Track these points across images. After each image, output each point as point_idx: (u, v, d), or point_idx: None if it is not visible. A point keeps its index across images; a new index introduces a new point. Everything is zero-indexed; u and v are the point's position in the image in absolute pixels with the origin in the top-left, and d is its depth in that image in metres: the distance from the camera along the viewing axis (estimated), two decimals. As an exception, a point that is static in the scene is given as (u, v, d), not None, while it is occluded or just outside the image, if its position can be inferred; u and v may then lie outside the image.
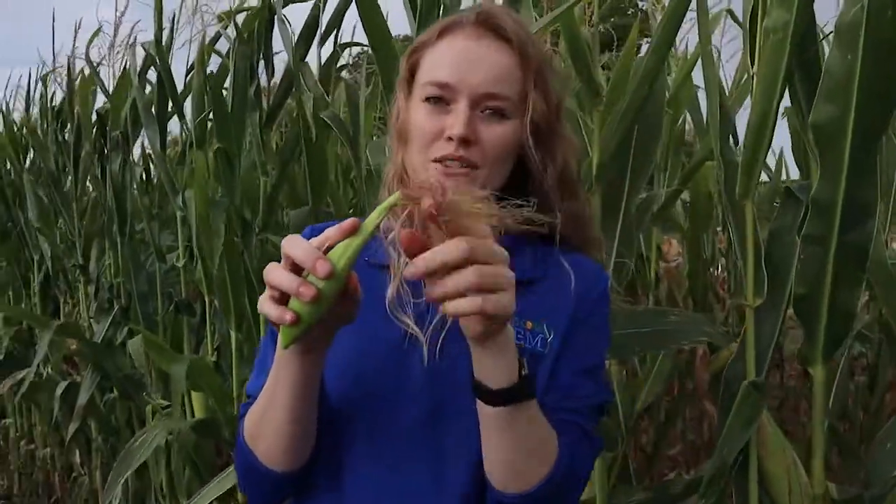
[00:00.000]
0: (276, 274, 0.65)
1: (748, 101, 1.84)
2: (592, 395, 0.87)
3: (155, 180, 2.85)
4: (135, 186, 2.60)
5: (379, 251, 0.86)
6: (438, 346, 0.82)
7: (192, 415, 2.32)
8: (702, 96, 2.16)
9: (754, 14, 1.06)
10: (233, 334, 2.17)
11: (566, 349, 0.86)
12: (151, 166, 2.81)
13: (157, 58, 2.05)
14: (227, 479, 1.95)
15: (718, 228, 2.76)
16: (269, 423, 0.80)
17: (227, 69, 1.97)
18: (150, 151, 2.47)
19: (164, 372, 2.65)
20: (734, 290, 2.27)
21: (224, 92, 2.02)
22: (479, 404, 0.73)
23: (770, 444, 1.12)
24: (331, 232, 0.66)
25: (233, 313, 2.14)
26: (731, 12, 1.82)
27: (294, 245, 0.65)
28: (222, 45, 2.17)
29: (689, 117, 2.21)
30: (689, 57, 1.96)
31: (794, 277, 1.06)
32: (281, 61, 2.10)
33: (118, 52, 2.42)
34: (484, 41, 0.84)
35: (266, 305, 0.66)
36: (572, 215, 0.87)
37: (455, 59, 0.83)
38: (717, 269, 2.90)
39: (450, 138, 0.81)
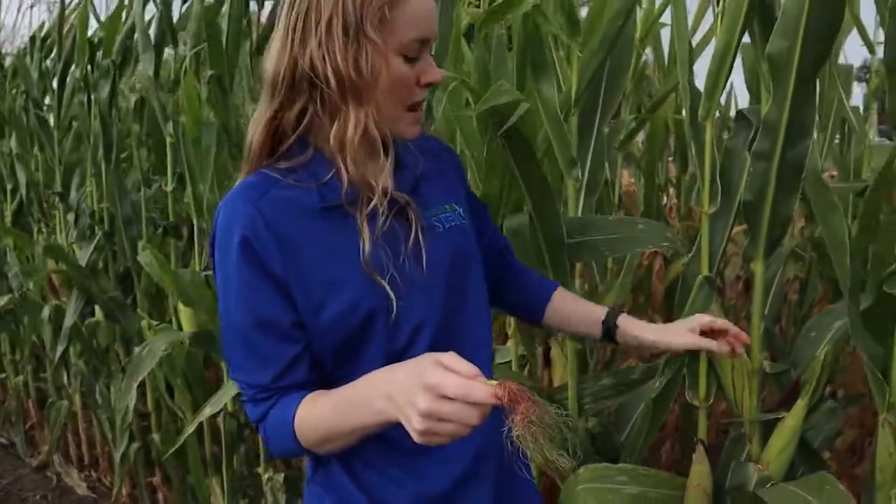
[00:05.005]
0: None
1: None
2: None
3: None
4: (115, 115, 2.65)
5: (329, 193, 0.91)
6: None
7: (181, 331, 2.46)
8: (664, 34, 2.35)
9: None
10: (222, 255, 2.29)
11: (480, 211, 1.16)
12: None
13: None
14: (222, 399, 2.10)
15: (670, 158, 2.98)
16: (339, 440, 0.88)
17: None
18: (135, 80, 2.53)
19: (150, 292, 2.78)
20: (684, 215, 2.50)
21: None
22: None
23: (718, 329, 1.33)
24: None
25: (223, 235, 2.25)
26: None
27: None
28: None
29: (648, 53, 2.39)
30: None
31: (743, 188, 1.26)
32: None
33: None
34: None
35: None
36: None
37: (429, 13, 0.90)
38: (668, 197, 3.12)
39: (426, 85, 0.91)
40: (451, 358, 0.74)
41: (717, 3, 1.33)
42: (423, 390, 0.73)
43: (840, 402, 1.70)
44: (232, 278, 0.90)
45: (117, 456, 2.77)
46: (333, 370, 0.95)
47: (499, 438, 0.71)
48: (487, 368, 1.04)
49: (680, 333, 1.19)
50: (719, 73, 1.24)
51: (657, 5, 1.87)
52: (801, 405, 1.25)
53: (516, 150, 1.36)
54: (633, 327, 1.19)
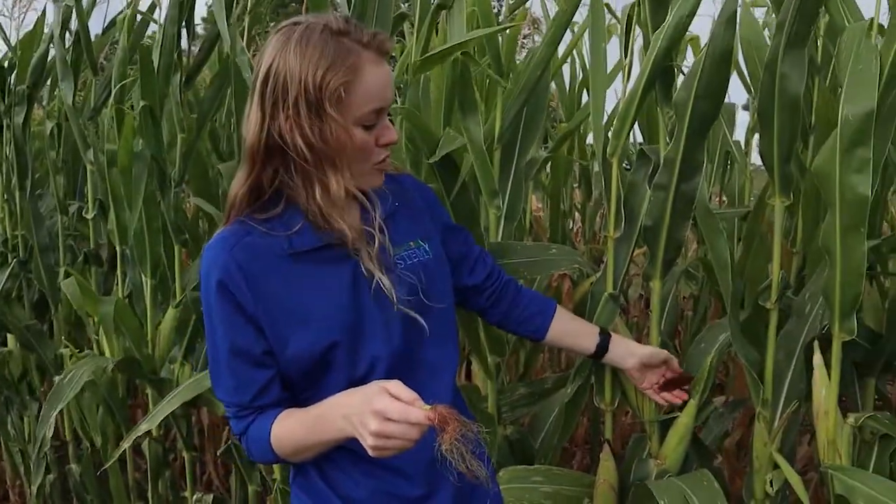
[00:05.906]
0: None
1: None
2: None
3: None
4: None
5: (297, 241, 1.02)
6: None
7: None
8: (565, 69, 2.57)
9: (629, 20, 1.42)
10: (147, 281, 2.31)
11: (462, 238, 1.26)
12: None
13: (76, 13, 2.15)
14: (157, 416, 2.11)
15: (575, 185, 3.20)
16: (308, 451, 1.03)
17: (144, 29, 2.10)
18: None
19: (70, 320, 2.74)
20: (588, 238, 2.71)
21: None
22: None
23: (623, 340, 1.50)
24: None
25: (149, 261, 2.28)
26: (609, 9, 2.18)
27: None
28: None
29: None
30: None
31: (643, 215, 1.44)
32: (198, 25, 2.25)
33: (21, 6, 2.44)
34: (384, 62, 1.02)
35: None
36: None
37: (383, 84, 1.00)
38: (573, 223, 3.34)
39: (384, 145, 1.03)
40: (395, 386, 0.89)
41: (625, 55, 1.53)
42: (372, 414, 0.88)
43: (727, 406, 1.91)
44: (213, 313, 1.03)
45: (33, 488, 2.70)
46: (301, 391, 1.08)
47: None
48: (448, 390, 1.14)
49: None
50: (626, 118, 1.42)
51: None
52: (692, 404, 1.43)
53: (448, 179, 1.51)
54: (621, 344, 1.39)
